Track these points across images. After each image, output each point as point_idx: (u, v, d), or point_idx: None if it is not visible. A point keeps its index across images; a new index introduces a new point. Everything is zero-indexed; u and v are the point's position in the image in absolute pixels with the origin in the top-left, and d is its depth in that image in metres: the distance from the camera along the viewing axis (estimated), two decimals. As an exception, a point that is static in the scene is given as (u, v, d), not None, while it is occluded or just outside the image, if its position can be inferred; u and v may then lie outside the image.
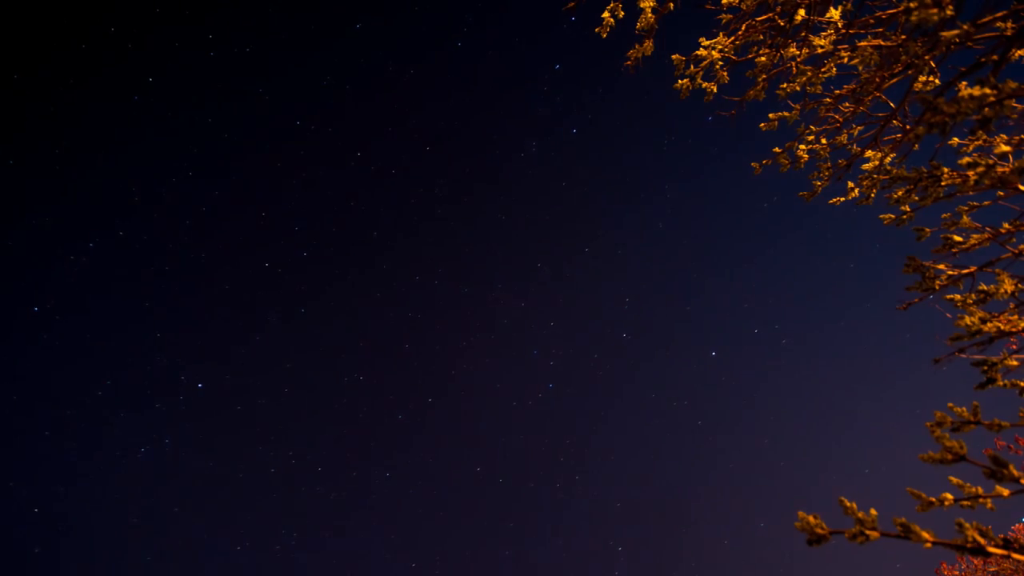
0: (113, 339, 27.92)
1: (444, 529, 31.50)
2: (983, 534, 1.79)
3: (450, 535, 31.38)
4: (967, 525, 1.81)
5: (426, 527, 31.18)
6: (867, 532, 1.80)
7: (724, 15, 3.33)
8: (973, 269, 3.52)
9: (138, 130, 25.98)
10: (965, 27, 2.17)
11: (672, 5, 3.23)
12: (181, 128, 26.59)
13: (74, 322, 26.82)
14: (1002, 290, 3.31)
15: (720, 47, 3.40)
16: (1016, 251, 3.44)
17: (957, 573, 11.58)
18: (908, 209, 3.84)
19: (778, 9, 3.22)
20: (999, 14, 2.45)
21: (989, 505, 2.21)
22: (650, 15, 3.24)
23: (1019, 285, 3.32)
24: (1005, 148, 2.23)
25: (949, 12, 1.90)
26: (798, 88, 3.45)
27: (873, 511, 1.81)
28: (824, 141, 3.98)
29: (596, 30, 3.32)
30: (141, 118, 25.90)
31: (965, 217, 3.63)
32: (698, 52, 3.45)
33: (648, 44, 3.39)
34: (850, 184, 4.10)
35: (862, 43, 3.14)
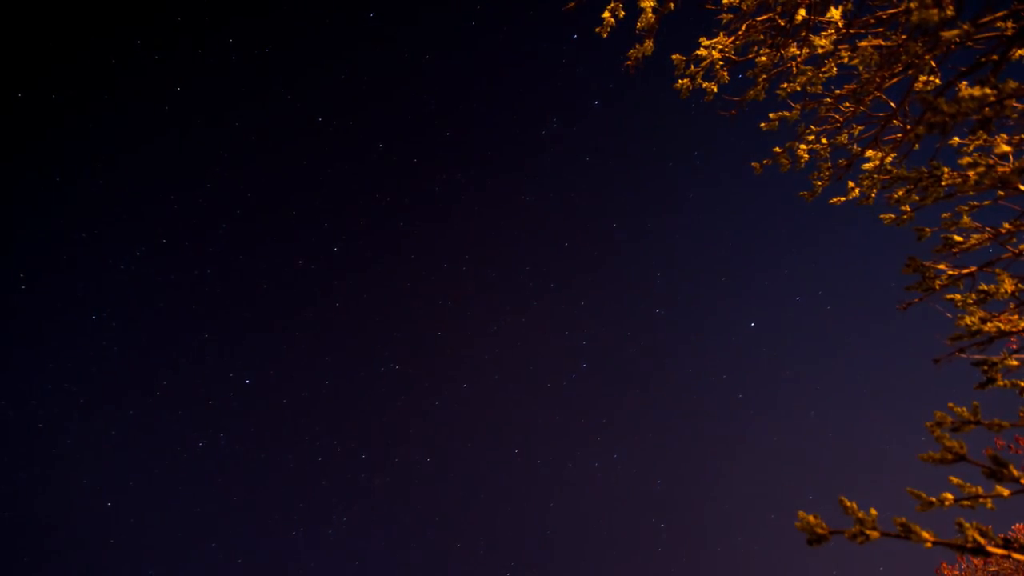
0: (165, 342, 29.61)
1: (486, 511, 32.31)
2: (983, 534, 1.79)
3: (491, 516, 32.21)
4: (967, 525, 1.81)
5: (468, 509, 32.20)
6: (867, 532, 1.80)
7: (724, 15, 3.33)
8: (973, 269, 3.52)
9: (169, 139, 27.28)
10: (965, 27, 2.17)
11: (672, 5, 3.23)
12: (209, 134, 27.80)
13: (129, 328, 28.62)
14: (1002, 290, 3.31)
15: (720, 47, 3.40)
16: (1016, 251, 3.44)
17: (957, 573, 11.57)
18: (908, 209, 3.84)
19: (778, 9, 3.22)
20: (999, 14, 2.45)
21: (989, 505, 2.21)
22: (650, 15, 3.24)
23: (1019, 285, 3.32)
24: (1005, 148, 2.23)
25: (949, 12, 1.90)
26: (798, 88, 3.45)
27: (873, 511, 1.81)
28: (824, 141, 3.98)
29: (596, 30, 3.32)
30: (170, 127, 27.14)
31: (965, 217, 3.63)
32: (698, 52, 3.45)
33: (648, 44, 3.39)
34: (850, 184, 4.10)
35: (862, 43, 3.14)
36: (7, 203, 25.34)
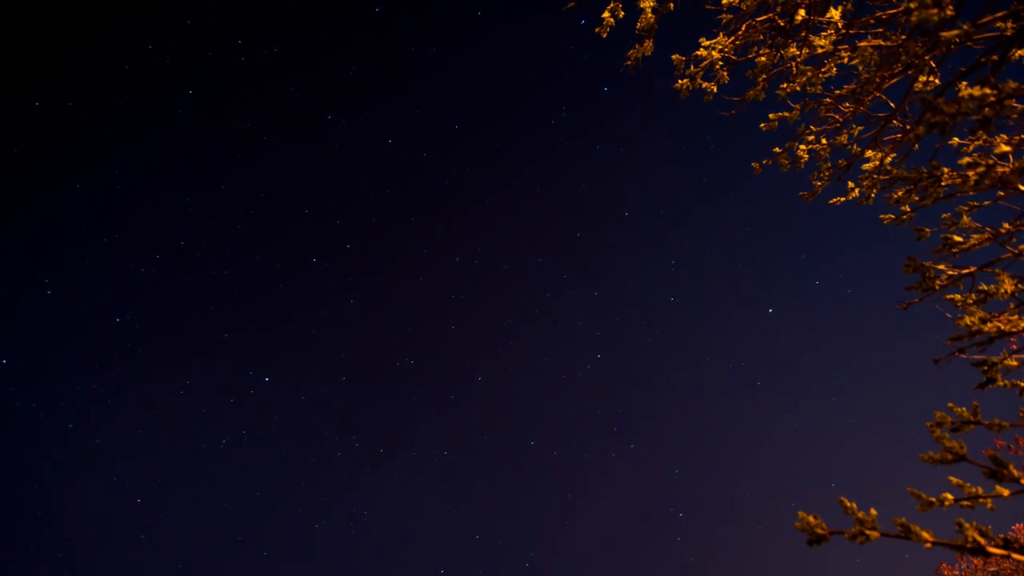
0: (186, 342, 30.32)
1: (504, 502, 32.51)
2: (983, 534, 1.79)
3: (509, 507, 32.39)
4: (967, 525, 1.81)
5: (486, 501, 32.37)
6: (867, 532, 1.80)
7: (724, 15, 3.33)
8: (973, 269, 3.52)
9: (183, 143, 27.76)
10: (965, 27, 2.17)
11: (672, 5, 3.23)
12: (221, 136, 28.17)
13: (152, 329, 29.46)
14: (1002, 290, 3.31)
15: (720, 47, 3.40)
16: (1016, 251, 3.44)
17: (957, 573, 11.57)
18: (908, 209, 3.84)
19: (778, 9, 3.22)
20: (999, 14, 2.45)
21: (989, 505, 2.21)
22: (650, 15, 3.24)
23: (1019, 285, 3.32)
24: (1005, 148, 2.23)
25: (949, 12, 1.91)
26: (798, 88, 3.45)
27: (873, 511, 1.81)
28: (824, 141, 3.98)
29: (596, 30, 3.32)
30: (184, 132, 27.56)
31: (965, 217, 3.63)
32: (698, 52, 3.45)
33: (648, 44, 3.39)
34: (850, 184, 4.10)
35: (862, 43, 3.14)
36: (32, 213, 26.18)
